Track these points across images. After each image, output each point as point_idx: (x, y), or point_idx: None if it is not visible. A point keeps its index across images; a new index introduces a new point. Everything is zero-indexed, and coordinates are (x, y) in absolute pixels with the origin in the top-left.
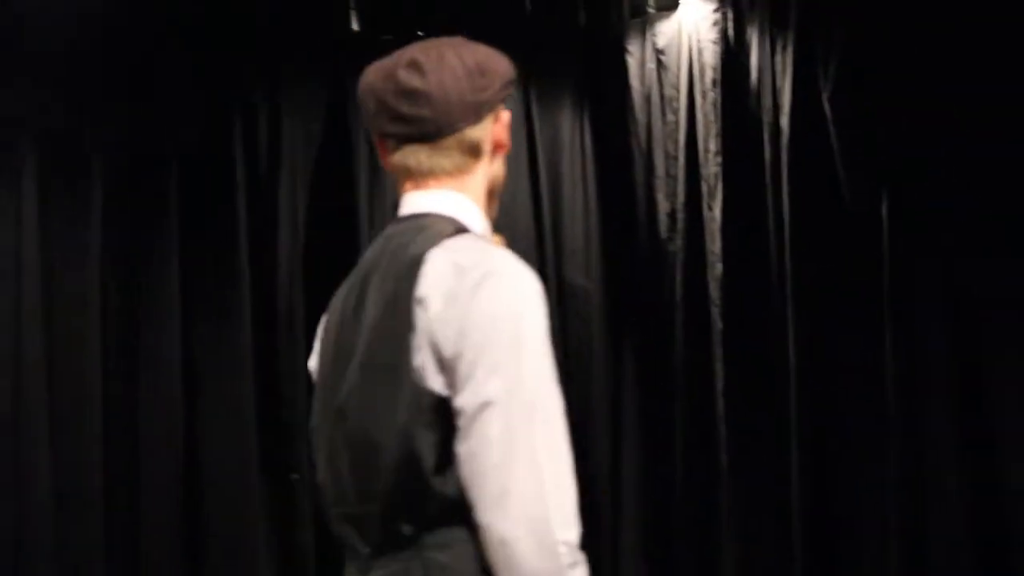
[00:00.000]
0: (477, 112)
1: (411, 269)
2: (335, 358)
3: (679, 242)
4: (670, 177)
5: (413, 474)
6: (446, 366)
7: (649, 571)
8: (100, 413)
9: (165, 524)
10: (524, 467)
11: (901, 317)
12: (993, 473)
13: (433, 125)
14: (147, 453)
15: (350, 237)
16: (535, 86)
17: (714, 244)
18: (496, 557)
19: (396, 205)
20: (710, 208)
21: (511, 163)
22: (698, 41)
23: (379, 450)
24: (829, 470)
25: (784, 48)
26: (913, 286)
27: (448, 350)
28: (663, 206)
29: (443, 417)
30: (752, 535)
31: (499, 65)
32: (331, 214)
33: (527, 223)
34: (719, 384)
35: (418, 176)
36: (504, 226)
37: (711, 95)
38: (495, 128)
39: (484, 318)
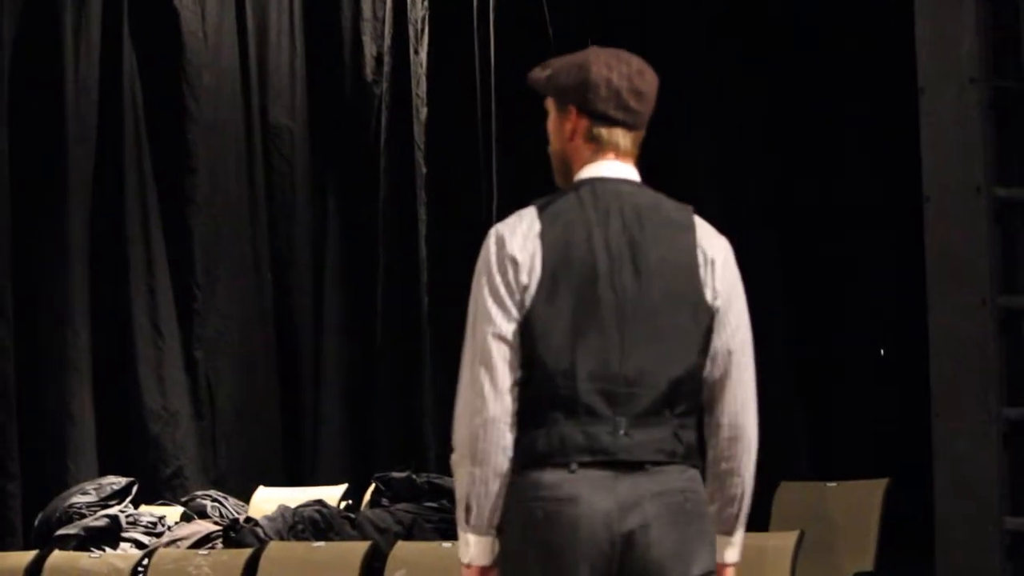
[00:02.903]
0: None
1: (689, 226)
2: (611, 268)
3: (384, 84)
4: (377, 20)
5: (689, 375)
6: (716, 308)
7: (349, 418)
8: None
9: None
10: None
11: None
12: None
13: (642, 120)
14: None
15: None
16: None
17: (419, 88)
18: (739, 449)
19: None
20: (416, 52)
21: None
22: None
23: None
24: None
25: None
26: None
27: (720, 300)
28: (369, 48)
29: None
30: (455, 373)
31: None
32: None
33: (232, 62)
34: (422, 228)
35: (623, 153)
36: (209, 63)
37: None
38: None
39: (736, 281)
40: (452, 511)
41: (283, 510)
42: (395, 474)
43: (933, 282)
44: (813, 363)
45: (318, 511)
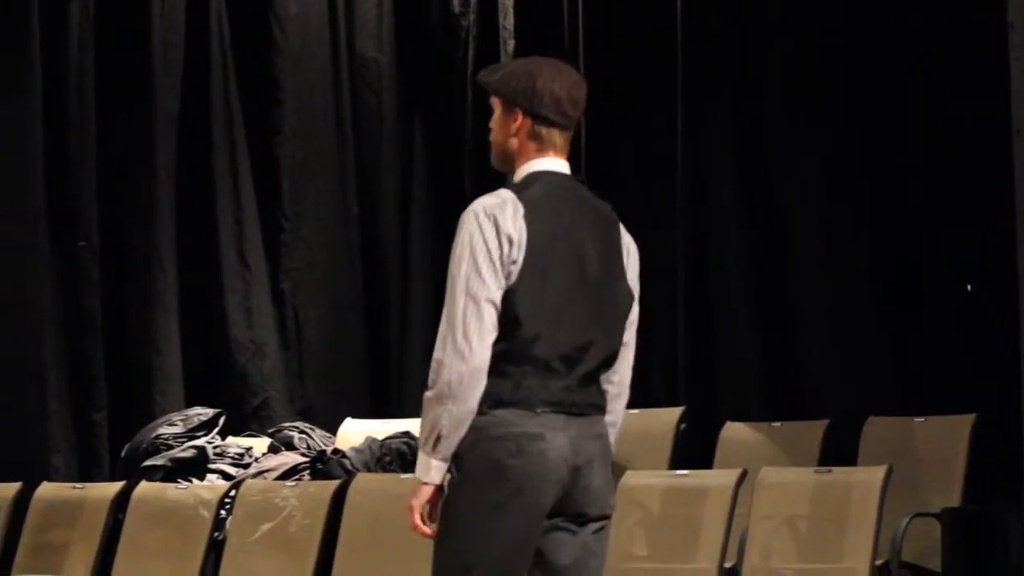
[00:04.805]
0: None
1: (615, 219)
2: (576, 253)
3: (472, 16)
4: None
5: (617, 347)
6: (634, 294)
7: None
8: None
9: None
10: None
11: (692, 93)
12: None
13: (574, 122)
14: None
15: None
16: None
17: (507, 20)
18: (621, 404)
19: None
20: None
21: None
22: None
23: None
24: None
25: None
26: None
27: (635, 286)
28: None
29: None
30: None
31: None
32: None
33: None
34: None
35: (559, 150)
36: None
37: None
38: None
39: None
40: None
41: (370, 442)
42: None
43: (1022, 215)
44: (900, 297)
45: (405, 443)
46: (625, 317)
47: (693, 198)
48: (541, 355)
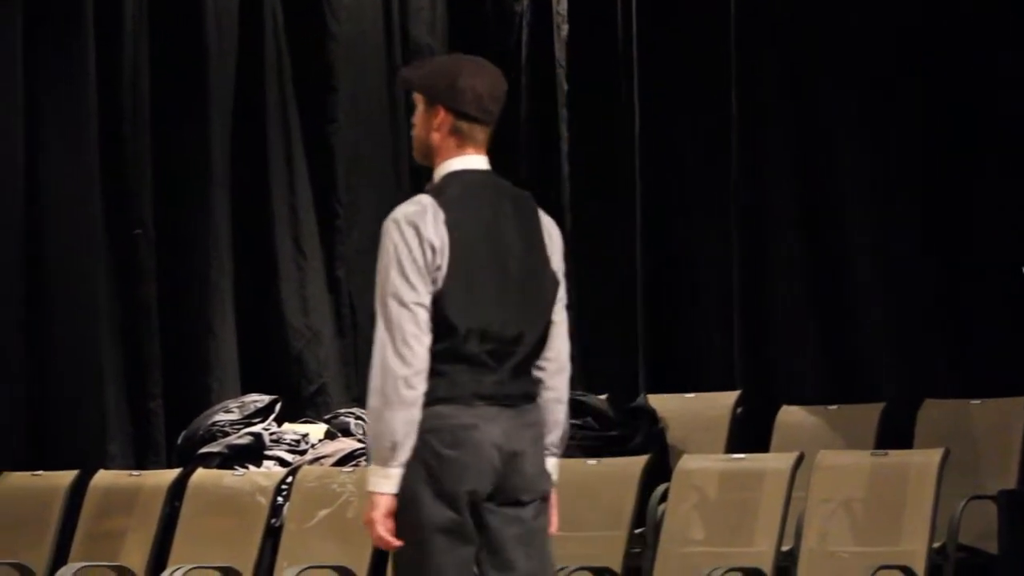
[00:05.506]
0: None
1: (535, 209)
2: (499, 250)
3: (525, 2)
4: None
5: (545, 334)
6: (559, 278)
7: None
8: None
9: (6, 281)
10: None
11: (746, 74)
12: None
13: (495, 118)
14: None
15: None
16: None
17: (560, 5)
18: (564, 380)
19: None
20: None
21: None
22: None
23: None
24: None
25: None
26: (759, 52)
27: (559, 270)
28: None
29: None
30: (597, 291)
31: None
32: None
33: None
34: (564, 146)
35: (479, 145)
36: None
37: None
38: None
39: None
40: (596, 429)
41: None
42: None
43: None
44: (956, 280)
45: None
46: (552, 304)
47: (748, 182)
48: (473, 352)
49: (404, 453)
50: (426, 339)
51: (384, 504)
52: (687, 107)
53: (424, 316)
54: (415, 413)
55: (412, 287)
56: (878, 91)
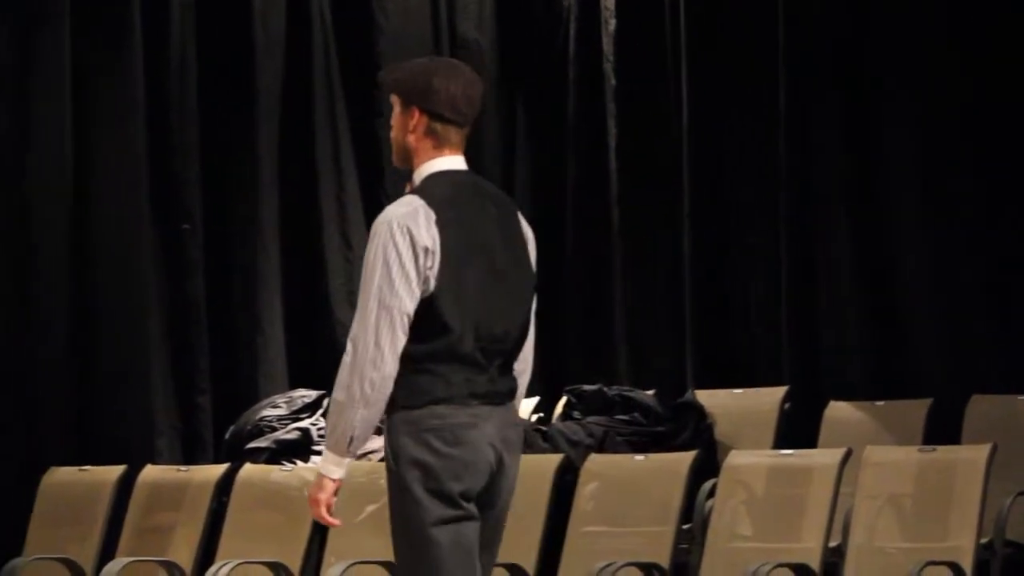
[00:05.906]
0: None
1: (515, 210)
2: (486, 249)
3: None
4: None
5: (525, 332)
6: (535, 279)
7: (540, 330)
8: None
9: (54, 275)
10: None
11: (794, 69)
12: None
13: (470, 120)
14: (39, 204)
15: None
16: None
17: (608, 0)
18: (526, 380)
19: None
20: None
21: None
22: None
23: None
24: (720, 223)
25: None
26: (808, 46)
27: (535, 271)
28: None
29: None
30: (645, 286)
31: None
32: None
33: None
34: (611, 141)
35: (455, 146)
36: None
37: None
38: None
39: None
40: (644, 425)
41: None
42: (586, 387)
43: None
44: (1004, 275)
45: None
46: (531, 302)
47: (796, 178)
48: (467, 352)
49: (358, 447)
50: (400, 345)
51: (331, 488)
52: (735, 101)
53: (402, 323)
54: (376, 413)
55: (395, 293)
56: (929, 85)
